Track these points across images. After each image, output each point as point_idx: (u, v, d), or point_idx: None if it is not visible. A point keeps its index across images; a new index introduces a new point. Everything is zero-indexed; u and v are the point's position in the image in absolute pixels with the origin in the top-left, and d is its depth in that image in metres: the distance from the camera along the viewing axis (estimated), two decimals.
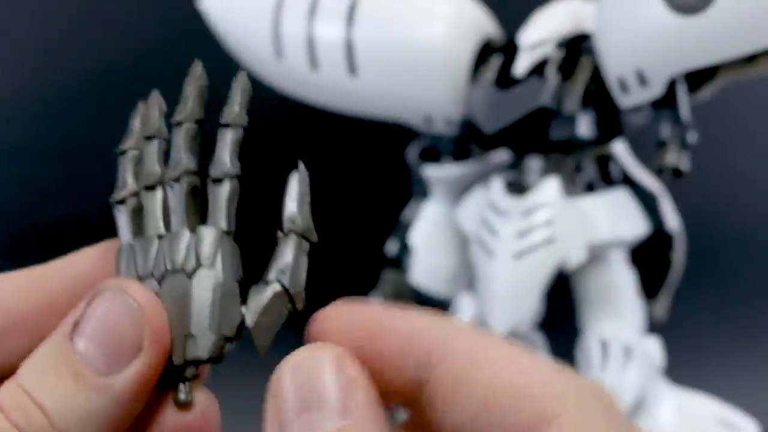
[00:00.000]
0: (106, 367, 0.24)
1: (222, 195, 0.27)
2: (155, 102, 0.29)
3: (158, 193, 0.27)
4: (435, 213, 0.51)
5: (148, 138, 0.28)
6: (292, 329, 0.26)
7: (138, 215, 0.27)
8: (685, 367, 0.50)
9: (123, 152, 0.28)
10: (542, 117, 0.44)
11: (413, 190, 0.52)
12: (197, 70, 0.29)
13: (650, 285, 0.47)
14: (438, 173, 0.50)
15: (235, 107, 0.27)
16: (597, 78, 0.44)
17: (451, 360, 0.23)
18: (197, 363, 0.26)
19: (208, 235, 0.26)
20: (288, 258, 0.26)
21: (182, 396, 0.26)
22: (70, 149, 0.69)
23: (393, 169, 0.55)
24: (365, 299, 0.53)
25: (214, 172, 0.27)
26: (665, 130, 0.42)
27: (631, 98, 0.43)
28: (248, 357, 0.26)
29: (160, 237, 0.27)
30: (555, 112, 0.44)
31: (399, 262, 0.52)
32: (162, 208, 0.27)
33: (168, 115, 0.28)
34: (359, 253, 0.60)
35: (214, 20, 0.49)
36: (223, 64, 0.28)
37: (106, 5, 0.70)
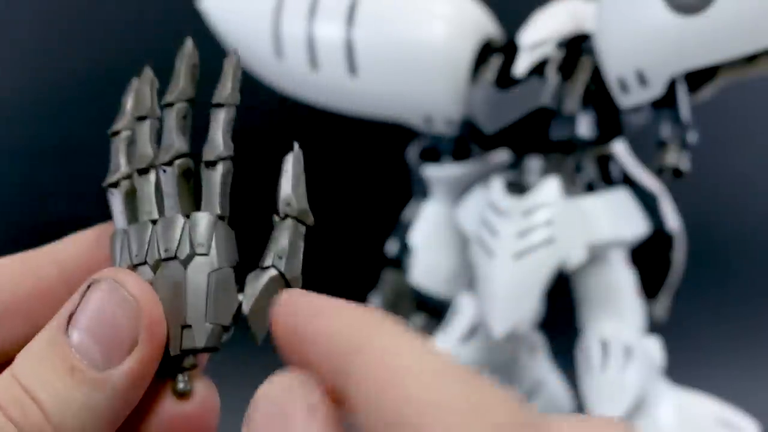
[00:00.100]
0: (102, 361, 0.24)
1: (216, 178, 0.26)
2: (147, 79, 0.28)
3: (151, 177, 0.27)
4: (435, 213, 0.51)
5: (141, 118, 0.28)
6: None
7: (131, 198, 0.27)
8: (685, 367, 0.50)
9: (115, 133, 0.28)
10: (542, 117, 0.44)
11: (413, 190, 0.52)
12: (188, 47, 0.28)
13: (650, 285, 0.47)
14: (438, 173, 0.50)
15: (227, 86, 0.27)
16: (597, 78, 0.44)
17: (363, 375, 0.21)
18: (194, 353, 0.25)
19: (202, 220, 0.26)
20: (284, 243, 0.26)
21: (181, 386, 0.25)
22: (70, 149, 0.69)
23: (393, 169, 0.55)
24: (366, 299, 0.53)
25: (208, 155, 0.26)
26: (665, 130, 0.42)
27: (631, 98, 0.43)
28: (247, 344, 0.26)
29: (153, 222, 0.26)
30: (555, 112, 0.44)
31: (399, 262, 0.52)
32: (155, 193, 0.27)
33: (161, 92, 0.28)
34: (359, 253, 0.60)
35: (214, 20, 0.49)
36: (223, 64, 0.28)
37: (106, 5, 0.69)
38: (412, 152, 0.51)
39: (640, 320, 0.46)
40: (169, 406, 0.25)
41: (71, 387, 0.24)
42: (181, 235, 0.26)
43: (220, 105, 0.27)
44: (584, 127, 0.44)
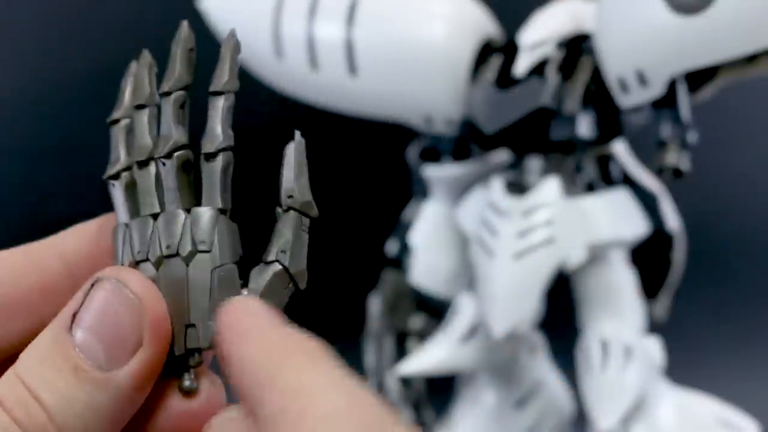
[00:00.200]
0: (106, 360, 0.24)
1: (216, 171, 0.26)
2: (146, 63, 0.28)
3: (151, 169, 0.26)
4: (435, 213, 0.51)
5: (139, 107, 0.27)
6: (294, 321, 0.26)
7: (132, 190, 0.27)
8: (685, 367, 0.50)
9: (114, 122, 0.27)
10: (542, 117, 0.44)
11: (413, 190, 0.52)
12: (184, 30, 0.28)
13: (650, 285, 0.47)
14: (438, 173, 0.50)
15: (225, 73, 0.26)
16: (597, 78, 0.44)
17: (271, 414, 0.21)
18: (199, 351, 0.25)
19: (204, 216, 0.25)
20: (287, 236, 0.25)
21: (187, 383, 0.25)
22: (70, 149, 0.69)
23: (393, 169, 0.55)
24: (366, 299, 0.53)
25: (207, 146, 0.26)
26: (665, 130, 0.42)
27: (631, 98, 0.43)
28: None
29: (155, 216, 0.26)
30: (555, 112, 0.44)
31: (399, 262, 0.52)
32: (156, 186, 0.26)
33: (159, 75, 0.27)
34: (359, 253, 0.60)
35: (214, 20, 0.49)
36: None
37: (106, 5, 0.69)
38: (412, 152, 0.51)
39: (640, 320, 0.46)
40: (175, 404, 0.25)
41: (74, 387, 0.24)
42: (182, 231, 0.25)
43: (218, 93, 0.26)
44: (584, 127, 0.44)
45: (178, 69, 0.27)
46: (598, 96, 0.44)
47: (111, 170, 0.27)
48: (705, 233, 0.58)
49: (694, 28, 0.40)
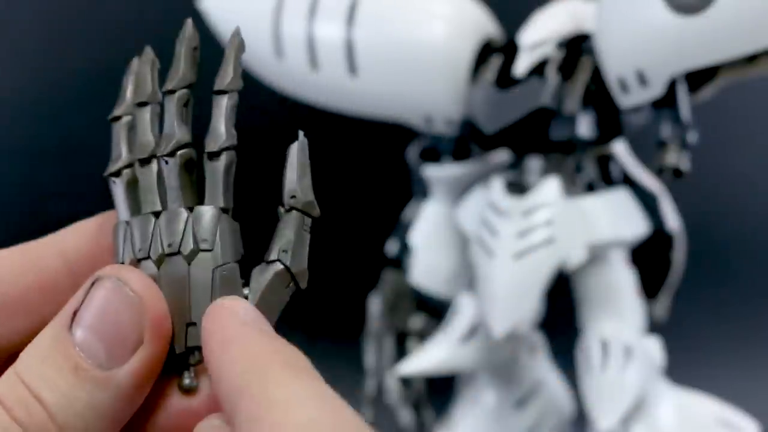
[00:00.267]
0: (107, 359, 0.24)
1: (219, 170, 0.26)
2: (148, 59, 0.28)
3: (153, 167, 0.26)
4: (435, 213, 0.51)
5: (141, 104, 0.27)
6: (294, 322, 0.26)
7: (134, 189, 0.27)
8: (685, 367, 0.50)
9: (116, 118, 0.27)
10: (542, 117, 0.44)
11: (413, 190, 0.52)
12: (188, 29, 0.28)
13: (650, 285, 0.47)
14: (438, 173, 0.50)
15: (229, 72, 0.26)
16: (597, 78, 0.44)
17: (245, 424, 0.21)
18: (200, 350, 0.25)
19: (206, 214, 0.25)
20: (289, 236, 0.25)
21: (187, 382, 0.25)
22: (70, 149, 0.69)
23: (393, 169, 0.55)
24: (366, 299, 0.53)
25: (210, 145, 0.26)
26: (665, 130, 0.42)
27: (631, 98, 0.43)
28: None
29: (156, 214, 0.26)
30: (555, 112, 0.44)
31: (399, 262, 0.52)
32: (157, 183, 0.26)
33: (162, 71, 0.27)
34: (359, 253, 0.60)
35: (214, 20, 0.49)
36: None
37: (106, 5, 0.69)
38: (412, 152, 0.51)
39: (640, 320, 0.46)
40: (175, 402, 0.25)
41: (75, 386, 0.24)
42: (184, 230, 0.25)
43: (222, 92, 0.26)
44: (584, 127, 0.44)
45: (182, 67, 0.27)
46: (598, 96, 0.44)
47: (112, 167, 0.27)
48: (705, 233, 0.58)
49: (694, 28, 0.40)
